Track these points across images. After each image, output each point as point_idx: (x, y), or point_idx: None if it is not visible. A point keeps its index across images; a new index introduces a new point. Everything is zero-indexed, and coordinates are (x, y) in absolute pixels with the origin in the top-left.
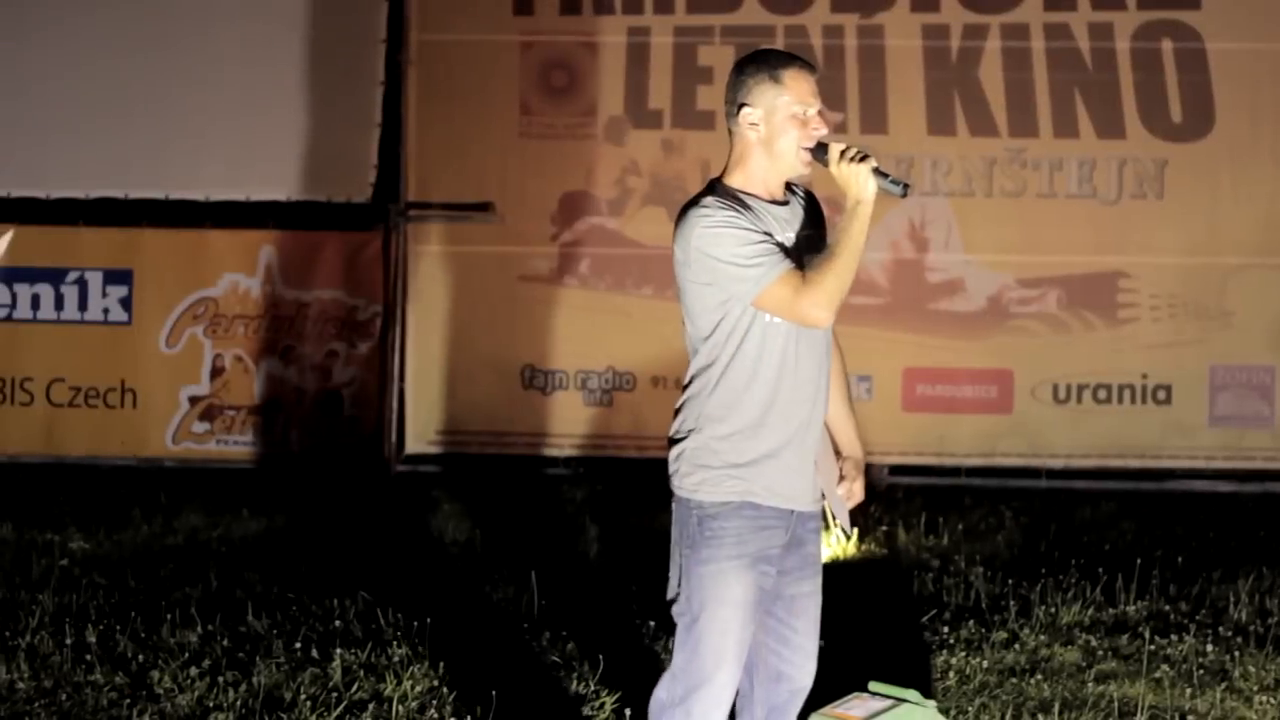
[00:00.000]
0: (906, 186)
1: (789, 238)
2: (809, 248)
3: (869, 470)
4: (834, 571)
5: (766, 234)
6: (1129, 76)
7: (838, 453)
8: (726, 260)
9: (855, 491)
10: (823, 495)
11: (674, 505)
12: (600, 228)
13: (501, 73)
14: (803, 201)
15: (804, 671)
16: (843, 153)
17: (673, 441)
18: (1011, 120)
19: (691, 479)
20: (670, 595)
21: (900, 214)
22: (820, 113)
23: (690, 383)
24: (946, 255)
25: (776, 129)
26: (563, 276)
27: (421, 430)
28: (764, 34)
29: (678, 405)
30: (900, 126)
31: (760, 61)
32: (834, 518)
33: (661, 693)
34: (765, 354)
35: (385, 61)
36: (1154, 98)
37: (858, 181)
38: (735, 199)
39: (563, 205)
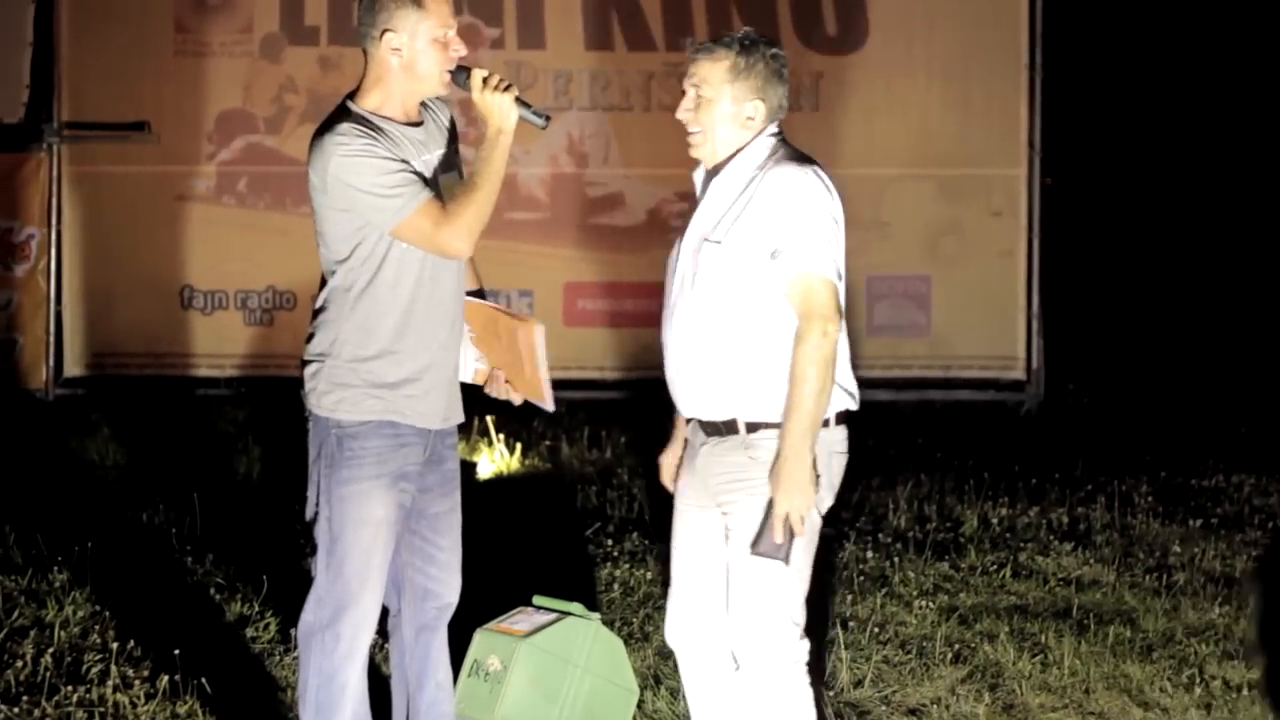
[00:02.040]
0: (548, 118)
1: (426, 161)
2: (445, 167)
3: None
4: (498, 486)
5: (404, 161)
6: None
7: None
8: (365, 189)
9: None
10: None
11: (310, 424)
12: (258, 146)
13: None
14: (436, 117)
15: (450, 588)
16: (485, 80)
17: (306, 361)
18: (668, 34)
19: (330, 398)
20: (309, 516)
21: (559, 129)
22: (458, 32)
23: (325, 305)
24: (606, 170)
25: (419, 53)
26: (221, 196)
27: (80, 354)
28: None
29: (312, 327)
30: (558, 42)
31: None
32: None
33: (309, 615)
34: (402, 279)
35: None
36: (809, 11)
37: (500, 111)
38: (371, 125)
39: (219, 124)
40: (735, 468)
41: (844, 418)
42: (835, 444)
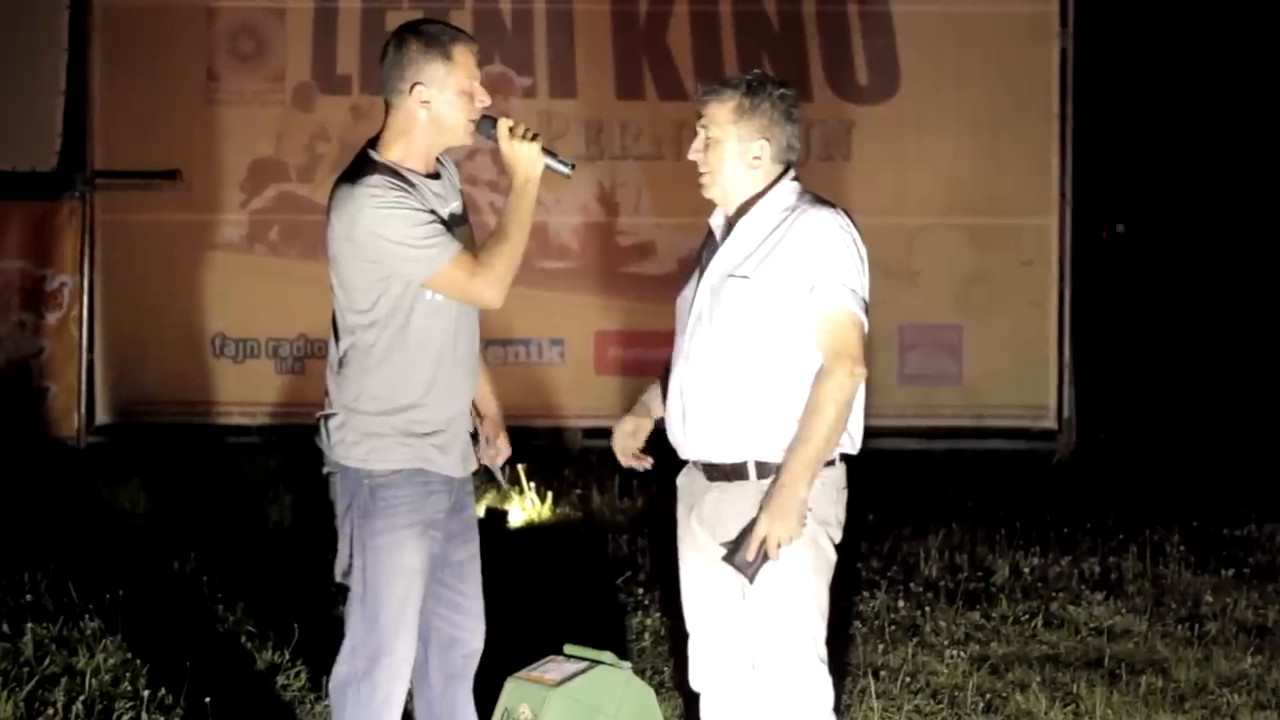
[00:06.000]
0: (573, 166)
1: (447, 212)
2: (461, 220)
3: (563, 434)
4: (529, 535)
5: (433, 212)
6: (815, 39)
7: (477, 413)
8: (397, 240)
9: (501, 448)
10: (477, 459)
11: (337, 478)
12: (290, 195)
13: (188, 39)
14: (449, 171)
15: (476, 634)
16: (511, 129)
17: (329, 415)
18: (700, 83)
19: (360, 448)
20: (342, 569)
21: (590, 178)
22: (490, 81)
23: (347, 360)
24: (637, 218)
25: (446, 105)
26: (253, 244)
27: (111, 401)
28: None
29: (333, 381)
30: (589, 91)
31: (428, 38)
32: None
33: (342, 667)
34: (431, 332)
35: (69, 27)
36: (840, 60)
37: (527, 160)
38: (399, 176)
39: (251, 172)
40: (748, 519)
41: (844, 459)
42: (840, 481)
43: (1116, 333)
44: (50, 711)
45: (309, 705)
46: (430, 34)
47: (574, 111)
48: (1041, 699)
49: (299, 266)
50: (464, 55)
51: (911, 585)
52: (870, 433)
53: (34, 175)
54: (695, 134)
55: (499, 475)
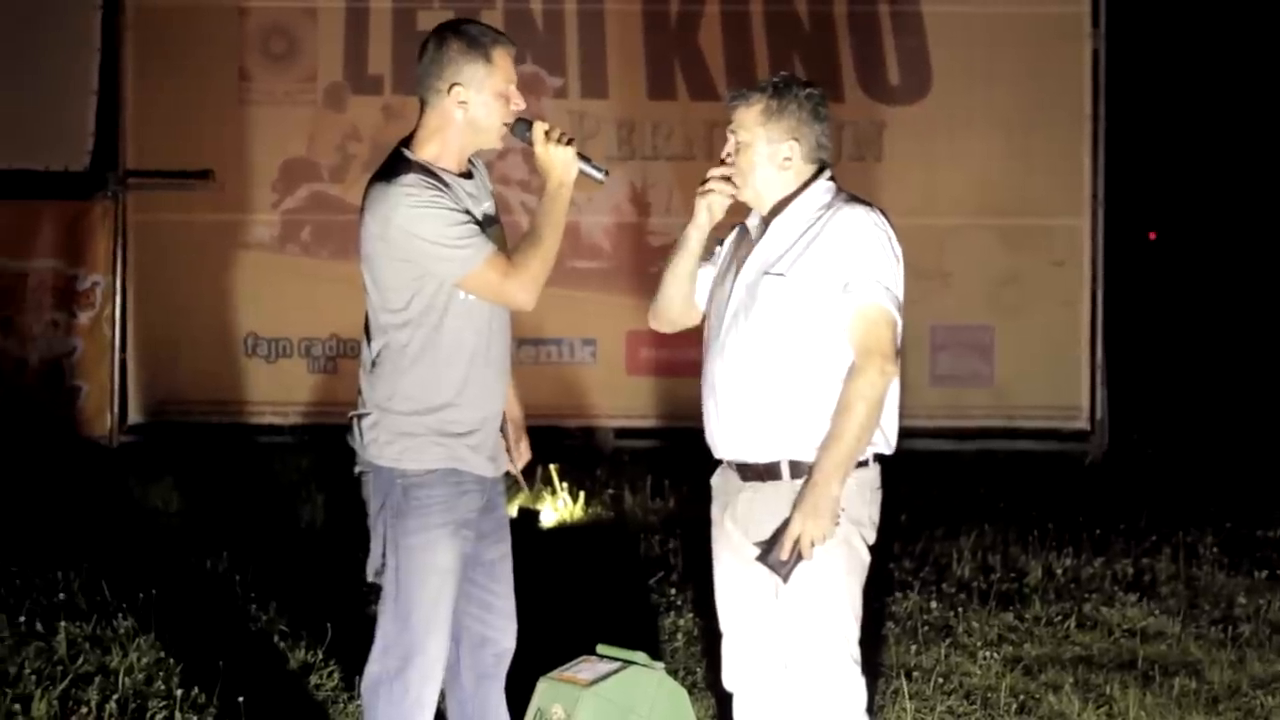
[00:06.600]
0: (607, 171)
1: (480, 213)
2: (492, 220)
3: (595, 434)
4: (562, 535)
5: (467, 212)
6: (846, 40)
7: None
8: (432, 240)
9: (523, 451)
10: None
11: (370, 477)
12: (322, 195)
13: (220, 39)
14: (480, 171)
15: (507, 634)
16: (547, 133)
17: (362, 414)
18: (731, 84)
19: (394, 448)
20: (374, 569)
21: (622, 178)
22: (522, 81)
23: (380, 359)
24: (668, 219)
25: (483, 107)
26: (284, 244)
27: (143, 401)
28: None
29: (365, 380)
30: (620, 91)
31: (468, 39)
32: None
33: (374, 667)
34: (463, 333)
35: (102, 27)
36: (872, 61)
37: (562, 164)
38: (434, 175)
39: (283, 172)
40: (782, 519)
41: (878, 459)
42: (874, 481)
43: (1149, 333)
44: (84, 710)
45: (342, 705)
46: (471, 35)
47: (605, 112)
48: (1074, 700)
49: (331, 266)
50: (503, 58)
51: (944, 586)
52: (901, 433)
53: (66, 175)
54: (726, 135)
55: (520, 479)
